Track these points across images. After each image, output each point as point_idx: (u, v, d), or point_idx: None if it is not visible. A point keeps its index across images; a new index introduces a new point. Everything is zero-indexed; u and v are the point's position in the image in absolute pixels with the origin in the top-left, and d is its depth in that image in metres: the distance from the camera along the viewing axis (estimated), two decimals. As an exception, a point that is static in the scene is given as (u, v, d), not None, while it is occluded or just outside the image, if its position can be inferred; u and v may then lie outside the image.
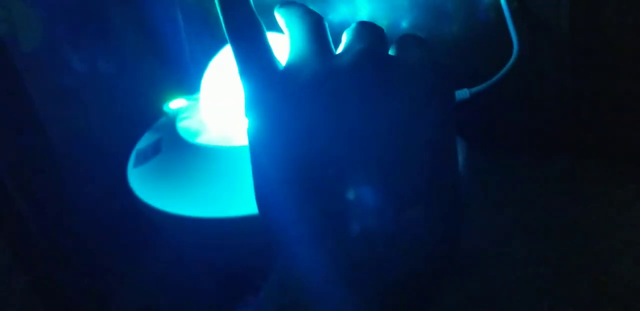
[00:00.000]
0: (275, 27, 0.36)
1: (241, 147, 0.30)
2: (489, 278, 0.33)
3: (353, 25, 0.24)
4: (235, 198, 0.28)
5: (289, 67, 0.21)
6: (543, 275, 0.33)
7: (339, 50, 0.22)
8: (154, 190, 0.31)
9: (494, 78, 0.39)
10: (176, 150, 0.32)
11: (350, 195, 0.19)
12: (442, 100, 0.21)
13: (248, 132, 0.21)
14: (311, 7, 0.57)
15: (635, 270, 0.33)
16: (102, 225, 0.40)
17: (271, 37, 0.33)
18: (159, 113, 0.38)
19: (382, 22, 0.51)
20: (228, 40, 0.22)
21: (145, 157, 0.33)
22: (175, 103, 0.37)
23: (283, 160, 0.20)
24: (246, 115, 0.21)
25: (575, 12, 0.44)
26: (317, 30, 0.22)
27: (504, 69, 0.40)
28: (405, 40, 0.23)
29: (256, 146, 0.21)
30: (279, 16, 0.24)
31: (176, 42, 0.46)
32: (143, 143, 0.36)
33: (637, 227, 0.36)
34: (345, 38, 0.23)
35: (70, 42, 0.47)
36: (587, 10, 0.44)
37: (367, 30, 0.23)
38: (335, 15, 0.51)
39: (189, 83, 0.35)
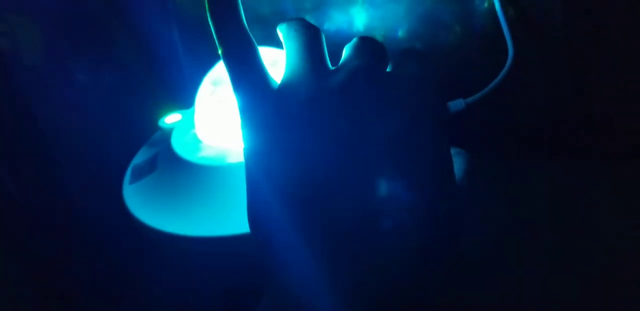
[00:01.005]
0: (274, 40, 0.36)
1: (236, 165, 0.30)
2: (489, 278, 0.33)
3: (353, 41, 0.24)
4: (230, 217, 0.28)
5: (284, 84, 0.21)
6: (545, 274, 0.33)
7: (339, 64, 0.22)
8: (149, 207, 0.31)
9: (488, 87, 0.39)
10: (171, 167, 0.32)
11: (348, 212, 0.19)
12: (435, 116, 0.21)
13: (244, 149, 0.21)
14: (307, 17, 0.57)
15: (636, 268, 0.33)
16: (100, 238, 0.40)
17: (270, 51, 0.33)
18: (155, 127, 0.38)
19: (379, 32, 0.51)
20: (221, 58, 0.22)
21: (141, 174, 0.33)
22: (170, 118, 0.37)
23: (277, 178, 0.20)
24: (241, 132, 0.21)
25: (570, 17, 0.44)
26: (313, 46, 0.22)
27: (498, 77, 0.40)
28: (404, 56, 0.23)
29: (250, 164, 0.21)
30: (279, 31, 0.24)
31: (173, 56, 0.46)
32: (139, 159, 0.36)
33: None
34: (344, 53, 0.23)
35: (70, 56, 0.47)
36: (582, 15, 0.44)
37: (366, 47, 0.23)
38: (331, 25, 0.51)
39: (185, 98, 0.35)
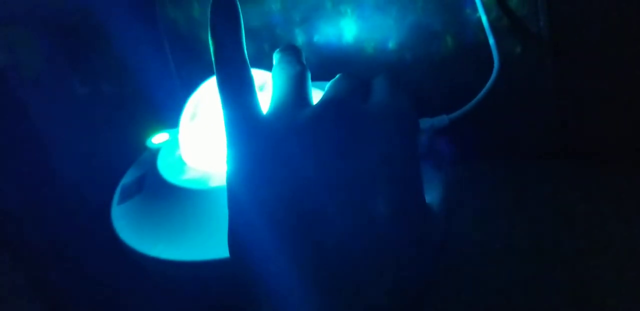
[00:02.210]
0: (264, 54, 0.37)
1: (219, 188, 0.31)
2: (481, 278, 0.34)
3: (334, 78, 0.26)
4: (211, 241, 0.29)
5: (268, 116, 0.23)
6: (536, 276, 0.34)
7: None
8: (134, 229, 0.32)
9: (472, 103, 0.40)
10: (157, 189, 0.33)
11: (336, 237, 0.20)
12: (407, 140, 0.23)
13: (227, 173, 0.22)
14: (297, 30, 0.57)
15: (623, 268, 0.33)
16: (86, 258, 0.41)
17: (260, 74, 0.34)
18: (144, 146, 0.39)
19: (369, 44, 0.51)
20: (219, 89, 0.23)
21: (128, 195, 0.34)
22: (158, 138, 0.38)
23: (264, 204, 0.21)
24: (227, 160, 0.22)
25: (556, 28, 0.44)
26: (297, 82, 0.24)
27: (481, 93, 0.40)
28: (378, 84, 0.25)
29: (234, 189, 0.22)
30: (274, 58, 0.27)
31: (164, 74, 0.47)
32: (127, 179, 0.37)
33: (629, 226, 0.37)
34: (325, 89, 0.25)
35: (65, 71, 0.48)
36: (568, 25, 0.44)
37: (343, 81, 0.25)
38: (321, 37, 0.52)
39: (175, 116, 0.36)
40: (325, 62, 0.53)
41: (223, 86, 0.23)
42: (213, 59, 0.24)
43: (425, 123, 0.39)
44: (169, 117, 0.38)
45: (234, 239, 0.22)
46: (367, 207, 0.20)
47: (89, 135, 0.45)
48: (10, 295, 0.41)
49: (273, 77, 0.25)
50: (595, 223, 0.37)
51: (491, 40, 0.42)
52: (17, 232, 0.43)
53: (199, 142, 0.34)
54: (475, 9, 0.45)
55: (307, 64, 0.27)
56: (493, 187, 0.43)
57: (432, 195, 0.24)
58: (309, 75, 0.25)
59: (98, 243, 0.39)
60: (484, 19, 0.43)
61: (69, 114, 0.46)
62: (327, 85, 0.25)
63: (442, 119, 0.39)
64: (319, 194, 0.20)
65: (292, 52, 0.26)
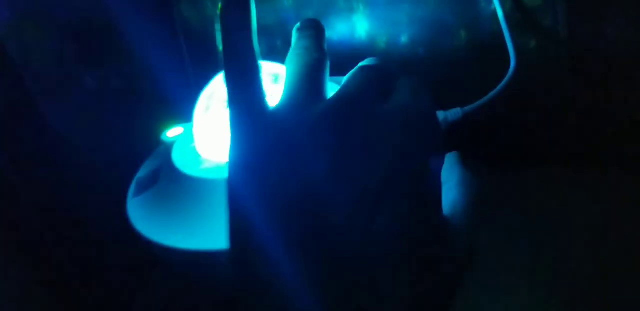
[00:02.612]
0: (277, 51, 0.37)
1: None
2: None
3: (353, 69, 0.24)
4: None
5: (276, 110, 0.22)
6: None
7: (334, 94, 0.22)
8: (151, 221, 0.32)
9: (488, 96, 0.39)
10: (172, 180, 0.33)
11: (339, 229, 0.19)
12: (425, 151, 0.21)
13: (229, 164, 0.21)
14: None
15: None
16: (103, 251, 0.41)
17: (273, 66, 0.34)
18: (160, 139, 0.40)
19: (382, 39, 0.51)
20: (225, 82, 0.22)
21: (144, 187, 0.35)
22: (172, 132, 0.38)
23: (266, 193, 0.20)
24: (229, 155, 0.21)
25: (573, 22, 0.43)
26: (311, 72, 0.22)
27: (499, 86, 0.40)
28: (402, 85, 0.23)
29: (237, 179, 0.21)
30: (292, 41, 0.24)
31: (179, 68, 0.48)
32: (142, 172, 0.37)
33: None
34: (342, 81, 0.23)
35: (77, 66, 0.48)
36: (585, 19, 0.43)
37: (361, 74, 0.23)
38: (333, 32, 0.52)
39: (189, 111, 0.36)
40: (338, 58, 0.53)
41: (229, 78, 0.22)
42: (221, 50, 0.22)
43: (439, 116, 0.39)
44: (183, 111, 0.38)
45: (236, 228, 0.21)
46: (369, 224, 0.19)
47: (104, 130, 0.46)
48: (25, 295, 0.41)
49: (287, 64, 0.23)
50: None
51: (506, 34, 0.42)
52: (31, 230, 0.44)
53: (213, 134, 0.34)
54: (490, 2, 0.45)
55: (328, 47, 0.24)
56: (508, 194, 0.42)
57: (456, 207, 0.23)
58: (328, 64, 0.23)
59: (114, 236, 0.40)
60: (499, 12, 0.43)
61: (84, 110, 0.47)
62: (345, 77, 0.23)
63: (456, 112, 0.38)
64: (323, 201, 0.19)
65: (312, 33, 0.24)
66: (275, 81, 0.33)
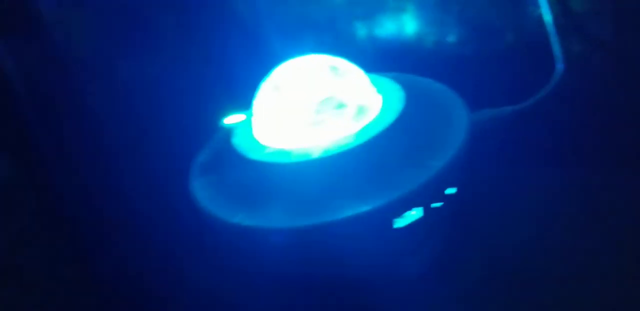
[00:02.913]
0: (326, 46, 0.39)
1: (296, 162, 0.33)
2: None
3: None
4: (289, 210, 0.31)
5: None
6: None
7: None
8: (214, 199, 0.34)
9: (536, 97, 0.41)
10: (233, 164, 0.35)
11: None
12: None
13: None
14: (358, 24, 0.59)
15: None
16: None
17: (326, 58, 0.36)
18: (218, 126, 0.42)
19: (430, 38, 0.53)
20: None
21: (204, 171, 0.37)
22: (232, 119, 0.40)
23: None
24: None
25: (621, 29, 0.44)
26: None
27: (547, 88, 0.41)
28: None
29: None
30: None
31: (238, 58, 0.49)
32: (202, 156, 0.39)
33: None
34: None
35: (121, 49, 0.48)
36: (633, 27, 0.44)
37: None
38: (382, 31, 0.53)
39: (249, 99, 0.38)
40: (385, 55, 0.55)
41: None
42: None
43: (486, 114, 0.40)
44: (245, 98, 0.40)
45: None
46: None
47: (166, 115, 0.47)
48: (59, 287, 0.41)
49: None
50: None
51: (553, 38, 0.43)
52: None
53: (272, 123, 0.36)
54: (538, 6, 0.46)
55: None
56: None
57: None
58: None
59: (172, 219, 0.42)
60: (546, 15, 0.44)
61: (147, 92, 0.48)
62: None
63: (504, 111, 0.40)
64: None
65: None
66: (334, 70, 0.35)
